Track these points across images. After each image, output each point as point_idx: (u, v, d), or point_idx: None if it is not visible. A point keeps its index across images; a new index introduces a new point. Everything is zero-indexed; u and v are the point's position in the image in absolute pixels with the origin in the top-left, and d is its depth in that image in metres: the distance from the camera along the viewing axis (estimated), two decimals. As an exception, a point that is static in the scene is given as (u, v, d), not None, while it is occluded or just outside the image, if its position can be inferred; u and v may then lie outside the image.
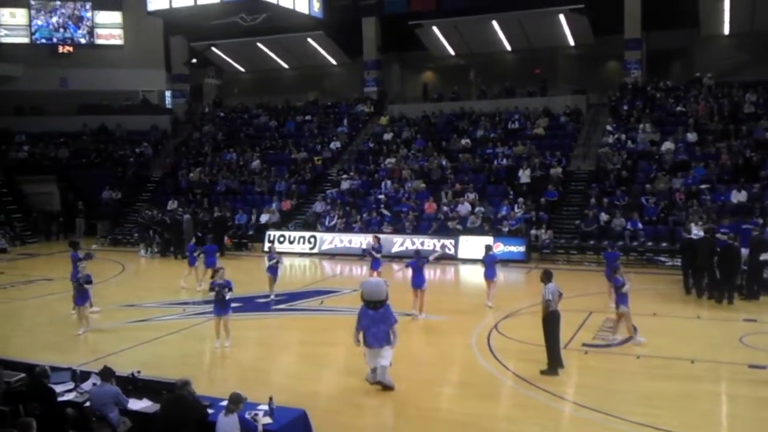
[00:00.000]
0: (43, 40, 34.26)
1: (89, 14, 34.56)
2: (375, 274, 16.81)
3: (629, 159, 24.19)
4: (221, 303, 12.56)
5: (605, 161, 24.40)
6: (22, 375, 8.98)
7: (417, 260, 14.91)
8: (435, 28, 31.54)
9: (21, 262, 24.21)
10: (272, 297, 16.69)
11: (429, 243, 21.98)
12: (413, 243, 22.15)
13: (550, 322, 10.84)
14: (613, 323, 12.56)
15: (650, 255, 20.54)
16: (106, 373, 8.18)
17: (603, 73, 31.72)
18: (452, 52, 33.23)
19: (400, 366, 11.49)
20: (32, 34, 34.04)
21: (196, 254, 18.48)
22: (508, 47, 32.14)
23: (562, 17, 28.98)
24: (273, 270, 16.67)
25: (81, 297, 14.16)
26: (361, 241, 23.23)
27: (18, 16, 33.94)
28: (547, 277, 11.06)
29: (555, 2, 28.39)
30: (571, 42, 30.82)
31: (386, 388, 10.32)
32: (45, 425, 7.10)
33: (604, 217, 21.83)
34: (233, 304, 13.41)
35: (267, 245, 24.33)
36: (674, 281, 17.46)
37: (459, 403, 10.06)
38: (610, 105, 27.77)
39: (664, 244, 20.49)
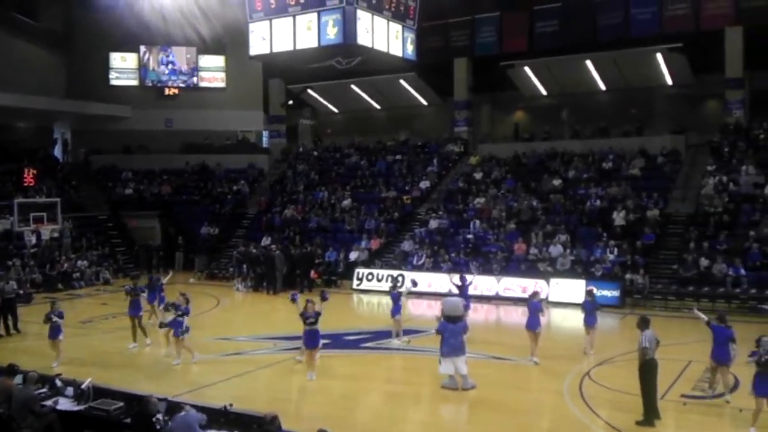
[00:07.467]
0: (151, 83, 36.37)
1: (195, 59, 36.46)
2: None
3: (731, 202, 23.13)
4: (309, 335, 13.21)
5: (706, 204, 23.45)
6: (121, 404, 9.42)
7: (536, 302, 14.63)
8: (527, 68, 31.44)
9: (123, 293, 25.22)
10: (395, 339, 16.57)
11: (517, 285, 21.73)
12: (497, 282, 22.08)
13: (647, 370, 10.50)
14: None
15: (754, 303, 19.47)
16: (176, 407, 8.61)
17: (703, 113, 30.53)
18: (544, 92, 32.98)
19: (488, 411, 11.31)
20: (141, 77, 36.22)
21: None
22: (603, 87, 31.59)
23: (659, 56, 28.22)
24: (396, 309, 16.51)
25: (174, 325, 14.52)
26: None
27: (128, 60, 36.18)
28: (644, 323, 10.79)
29: (652, 42, 27.72)
30: (669, 81, 29.92)
31: (469, 389, 12.13)
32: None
33: (704, 262, 20.90)
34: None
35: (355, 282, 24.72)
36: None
37: (549, 452, 9.78)
38: (711, 146, 26.69)
39: (769, 292, 19.38)
